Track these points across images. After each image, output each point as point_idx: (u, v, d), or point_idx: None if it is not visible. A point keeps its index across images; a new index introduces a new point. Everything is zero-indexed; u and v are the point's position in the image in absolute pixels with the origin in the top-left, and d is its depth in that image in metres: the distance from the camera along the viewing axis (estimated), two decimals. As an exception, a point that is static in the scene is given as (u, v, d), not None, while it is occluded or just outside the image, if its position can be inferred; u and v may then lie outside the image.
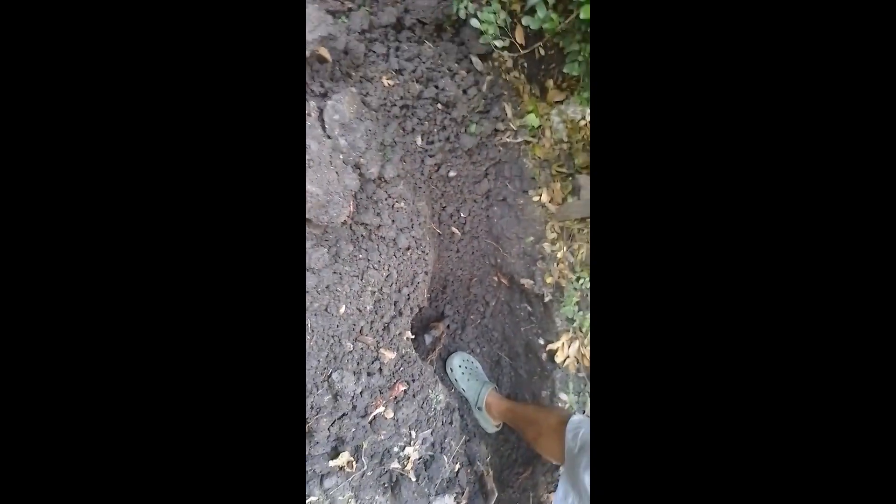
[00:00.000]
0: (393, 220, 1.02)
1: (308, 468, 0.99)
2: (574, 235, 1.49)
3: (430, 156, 1.18)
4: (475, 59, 1.20)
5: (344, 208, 0.84)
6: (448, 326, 1.58)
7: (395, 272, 1.05)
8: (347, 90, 0.87)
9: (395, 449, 1.16)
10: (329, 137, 0.81)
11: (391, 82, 0.99)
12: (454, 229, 1.46)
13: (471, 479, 1.39)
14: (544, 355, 1.54)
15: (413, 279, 1.12)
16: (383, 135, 0.98)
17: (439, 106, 1.14)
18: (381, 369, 1.07)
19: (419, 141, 1.13)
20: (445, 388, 1.33)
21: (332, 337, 0.96)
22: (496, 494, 1.39)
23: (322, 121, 0.81)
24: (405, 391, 1.14)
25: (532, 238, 1.47)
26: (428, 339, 1.45)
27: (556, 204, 1.47)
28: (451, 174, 1.31)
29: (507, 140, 1.32)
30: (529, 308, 1.58)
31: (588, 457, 0.79)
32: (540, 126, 1.38)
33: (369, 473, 1.12)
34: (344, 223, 0.94)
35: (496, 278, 1.60)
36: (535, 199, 1.42)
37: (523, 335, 1.61)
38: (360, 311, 1.00)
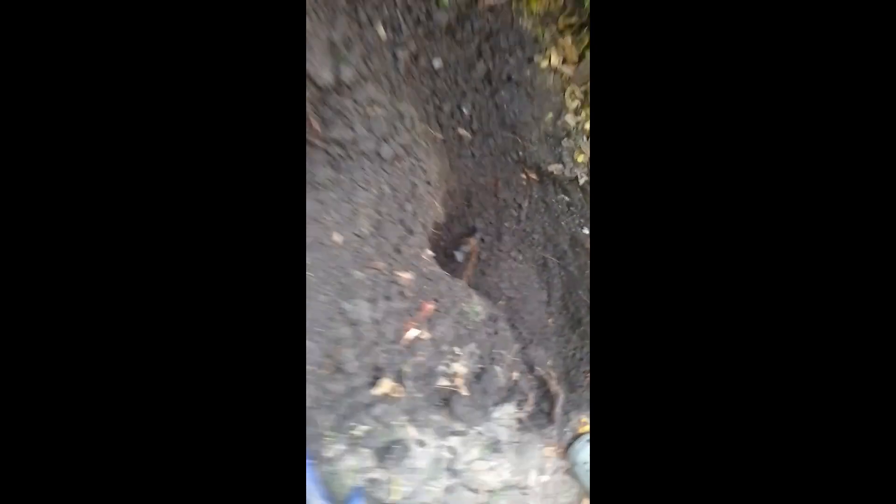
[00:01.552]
0: (369, 130, 0.90)
1: (351, 401, 1.00)
2: (599, 100, 1.26)
3: (402, 46, 1.02)
4: None
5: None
6: (482, 240, 1.48)
7: (388, 187, 0.95)
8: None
9: (441, 368, 1.13)
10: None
11: (322, -37, 0.83)
12: (461, 131, 1.30)
13: (533, 384, 1.35)
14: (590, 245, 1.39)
15: (413, 191, 1.01)
16: (328, 33, 0.83)
17: (393, -19, 0.95)
18: (401, 292, 1.01)
19: (382, 32, 0.97)
20: (482, 299, 1.26)
21: (336, 268, 0.91)
22: (562, 396, 1.34)
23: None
24: (436, 309, 1.09)
25: (551, 114, 1.27)
26: (460, 256, 1.37)
27: (572, 64, 1.24)
28: (436, 64, 1.13)
29: (492, 2, 1.10)
30: (567, 198, 1.41)
31: None
32: (531, -26, 1.13)
33: (419, 395, 1.11)
34: (311, 143, 0.84)
35: (524, 175, 1.43)
36: (544, 64, 1.20)
37: (566, 229, 1.46)
38: (358, 236, 0.92)
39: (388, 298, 0.98)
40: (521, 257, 1.52)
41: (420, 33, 1.05)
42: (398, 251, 1.00)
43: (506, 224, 1.50)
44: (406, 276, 1.01)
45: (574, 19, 1.18)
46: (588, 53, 1.19)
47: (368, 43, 0.94)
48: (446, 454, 1.16)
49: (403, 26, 1.00)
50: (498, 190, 1.45)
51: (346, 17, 0.89)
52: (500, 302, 1.47)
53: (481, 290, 1.43)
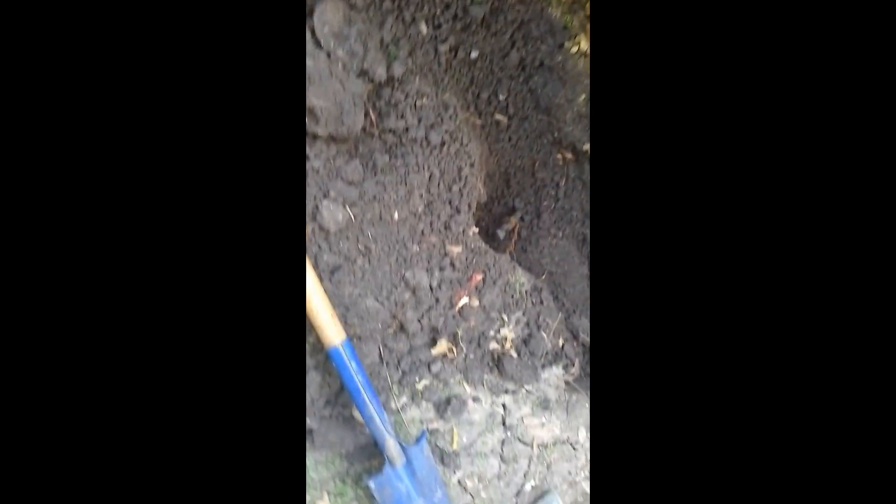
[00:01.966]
0: (419, 120, 1.02)
1: (413, 359, 1.12)
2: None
3: (442, 41, 1.13)
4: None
5: (357, 114, 0.87)
6: (522, 219, 1.56)
7: (437, 171, 1.06)
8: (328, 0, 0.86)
9: (491, 332, 1.24)
10: (323, 49, 0.82)
11: (372, -23, 0.95)
12: (498, 116, 1.40)
13: (578, 350, 1.43)
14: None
15: (459, 174, 1.12)
16: (380, 34, 0.95)
17: (432, -16, 1.06)
18: (452, 264, 1.13)
19: (424, 29, 1.08)
20: (525, 272, 1.35)
21: (396, 242, 1.03)
22: (606, 359, 1.41)
23: (313, 34, 0.82)
24: (483, 279, 1.19)
25: (584, 95, 1.34)
26: (501, 234, 1.47)
27: (601, 48, 1.30)
28: (473, 55, 1.23)
29: (523, -5, 1.18)
30: (602, 174, 1.47)
31: None
32: (557, -35, 1.20)
33: (472, 356, 1.22)
34: (370, 134, 0.97)
35: (560, 156, 1.51)
36: (574, 50, 1.27)
37: (603, 204, 1.52)
38: (413, 214, 1.04)
39: (441, 269, 1.10)
40: (560, 234, 1.59)
41: (458, 28, 1.15)
42: (448, 227, 1.11)
43: (544, 202, 1.57)
44: (456, 249, 1.12)
45: (601, 2, 1.25)
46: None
47: (413, 40, 1.05)
48: (500, 410, 1.27)
49: (443, 22, 1.11)
50: (535, 170, 1.53)
51: (392, 17, 1.00)
52: (542, 276, 1.56)
53: (523, 265, 1.52)
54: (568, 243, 1.62)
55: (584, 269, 1.62)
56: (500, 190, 1.55)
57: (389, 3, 0.99)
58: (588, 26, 1.25)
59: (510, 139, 1.44)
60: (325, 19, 0.84)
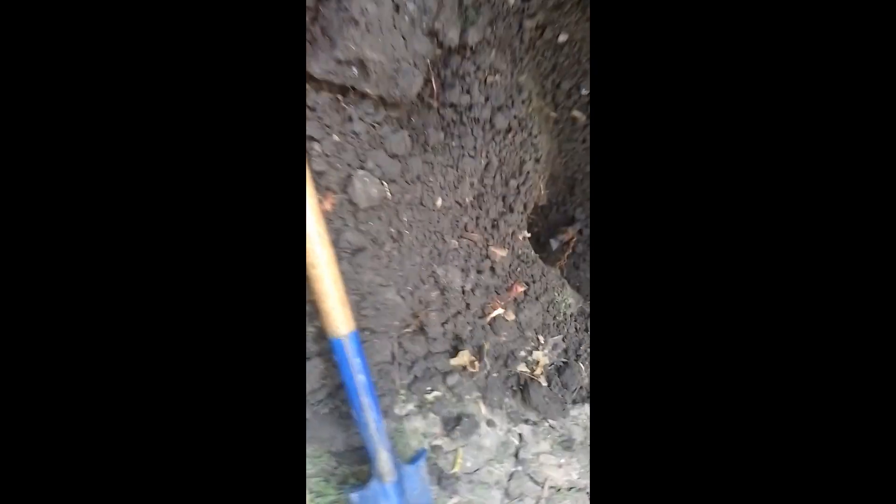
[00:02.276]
0: (486, 98, 0.87)
1: (429, 365, 1.00)
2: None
3: (530, 16, 0.97)
4: None
5: (416, 78, 0.74)
6: (581, 231, 1.39)
7: (496, 159, 0.91)
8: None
9: (522, 353, 1.08)
10: (390, -4, 0.70)
11: (465, -77, 0.81)
12: (576, 112, 1.22)
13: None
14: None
15: (521, 168, 0.97)
16: (461, -8, 0.82)
17: (530, -54, 0.90)
18: (492, 268, 0.98)
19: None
20: (574, 293, 1.17)
21: (434, 232, 0.90)
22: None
23: (382, -23, 0.70)
24: (525, 292, 1.04)
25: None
26: (555, 243, 1.30)
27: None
28: (562, 38, 1.06)
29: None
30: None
31: None
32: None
33: (495, 375, 1.08)
34: (427, 104, 0.84)
35: (638, 168, 1.31)
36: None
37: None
38: (459, 204, 0.91)
39: (479, 272, 0.96)
40: (621, 256, 1.39)
41: (550, 4, 0.99)
42: (496, 227, 0.97)
43: (610, 218, 1.38)
44: (500, 252, 0.98)
45: None
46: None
47: (497, 7, 0.90)
48: (514, 440, 1.12)
49: (534, -5, 0.95)
50: (607, 181, 1.34)
51: (478, -21, 0.86)
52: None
53: (574, 283, 1.34)
54: (627, 269, 1.42)
55: (641, 302, 1.42)
56: (562, 195, 1.38)
57: (478, -42, 0.84)
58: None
59: (584, 140, 1.27)
60: (400, -39, 0.71)
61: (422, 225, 0.88)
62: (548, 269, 1.10)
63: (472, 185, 0.90)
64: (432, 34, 0.79)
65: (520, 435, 1.12)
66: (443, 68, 0.85)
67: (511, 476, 1.11)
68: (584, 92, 1.16)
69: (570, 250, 1.33)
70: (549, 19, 1.01)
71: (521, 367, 1.08)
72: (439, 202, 0.88)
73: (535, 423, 1.13)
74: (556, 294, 1.09)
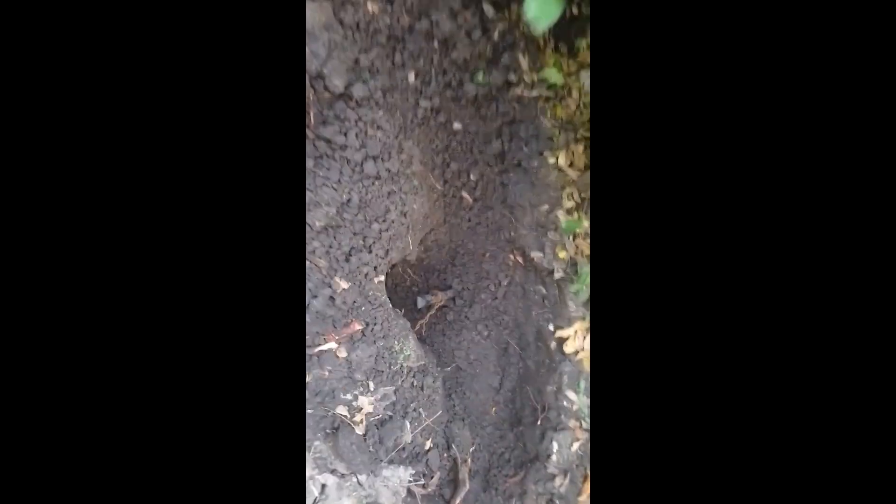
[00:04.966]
0: (362, 145, 0.91)
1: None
2: (582, 196, 1.21)
3: (427, 98, 1.06)
4: (487, 7, 1.07)
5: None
6: (453, 300, 1.38)
7: (357, 198, 0.93)
8: (318, 2, 0.82)
9: (346, 395, 1.00)
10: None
11: (376, 8, 0.92)
12: (464, 193, 1.30)
13: (443, 464, 1.14)
14: (554, 344, 1.24)
15: (385, 215, 0.99)
16: (357, 54, 0.89)
17: (435, 44, 1.02)
18: (332, 297, 0.94)
19: (412, 78, 1.02)
20: (422, 350, 1.13)
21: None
22: (467, 487, 1.11)
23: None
24: (363, 332, 0.99)
25: (546, 206, 1.22)
26: (421, 302, 1.28)
27: (578, 170, 1.21)
28: (456, 126, 1.16)
29: (523, 94, 1.14)
30: (543, 290, 1.31)
31: None
32: (564, 84, 1.17)
33: (310, 411, 0.97)
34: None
35: (511, 256, 1.36)
36: (552, 160, 1.19)
37: (535, 321, 1.33)
38: (310, 227, 0.89)
39: (315, 297, 0.91)
40: (485, 332, 1.39)
41: (448, 95, 1.10)
42: (347, 260, 0.95)
43: (482, 295, 1.40)
44: (343, 285, 0.95)
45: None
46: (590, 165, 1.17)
47: (396, 82, 0.99)
48: (315, 490, 0.98)
49: (433, 82, 1.05)
50: (484, 260, 1.38)
51: (380, 49, 0.95)
52: (448, 368, 1.33)
53: (432, 346, 1.30)
54: (490, 346, 1.40)
55: (496, 381, 1.38)
56: (443, 263, 1.40)
57: (384, 39, 0.94)
58: (572, 146, 1.18)
59: (469, 220, 1.33)
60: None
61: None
62: (396, 318, 1.06)
63: (327, 213, 0.90)
64: (317, 76, 0.84)
65: (323, 485, 0.98)
66: (325, 108, 0.89)
67: (300, 532, 0.95)
68: (474, 178, 1.24)
69: (436, 313, 1.31)
70: (444, 106, 1.11)
71: (340, 410, 0.98)
72: (288, 219, 0.86)
73: (342, 476, 1.00)
74: (396, 343, 1.05)
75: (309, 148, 0.88)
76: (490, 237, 1.35)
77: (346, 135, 0.89)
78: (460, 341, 1.38)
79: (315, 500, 0.97)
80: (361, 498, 1.00)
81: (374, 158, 0.94)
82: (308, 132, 0.87)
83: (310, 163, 0.88)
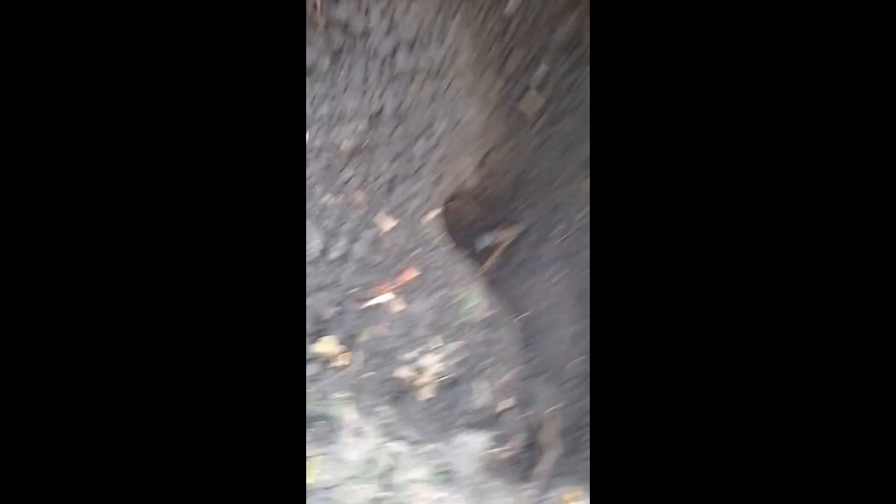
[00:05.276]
0: (390, 27, 0.66)
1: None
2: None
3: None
4: None
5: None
6: (521, 236, 1.15)
7: (392, 105, 0.69)
8: None
9: (407, 354, 0.83)
10: None
11: None
12: (533, 93, 1.00)
13: (522, 424, 0.98)
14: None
15: (429, 127, 0.74)
16: None
17: None
18: (377, 241, 0.75)
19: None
20: (490, 295, 0.93)
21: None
22: (559, 451, 0.95)
23: None
24: (418, 278, 0.80)
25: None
26: (483, 242, 1.05)
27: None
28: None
29: None
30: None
31: None
32: None
33: (371, 373, 0.83)
34: (312, 22, 0.63)
35: (587, 185, 1.08)
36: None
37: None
38: (337, 146, 0.68)
39: (355, 240, 0.72)
40: (557, 278, 1.14)
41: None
42: (390, 191, 0.74)
43: (554, 231, 1.14)
44: (389, 223, 0.74)
45: None
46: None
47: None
48: (385, 459, 0.86)
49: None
50: (553, 189, 1.11)
51: None
52: (519, 316, 1.13)
53: (498, 290, 1.10)
54: (563, 292, 1.17)
55: (572, 330, 1.16)
56: (507, 191, 1.15)
57: None
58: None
59: (539, 130, 1.04)
60: None
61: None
62: (456, 259, 0.86)
63: (355, 129, 0.67)
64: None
65: (393, 454, 0.86)
66: (335, -24, 0.64)
67: (374, 501, 0.85)
68: (543, 67, 0.93)
69: (501, 253, 1.08)
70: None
71: (404, 372, 0.83)
72: (309, 136, 0.65)
73: (415, 443, 0.87)
74: (460, 291, 0.85)
75: (321, 41, 0.64)
76: (563, 157, 1.07)
77: (367, 13, 0.64)
78: (530, 286, 1.16)
79: (387, 468, 0.85)
80: (437, 467, 0.88)
81: (411, 46, 0.68)
82: (316, 17, 0.63)
83: (325, 62, 0.65)
